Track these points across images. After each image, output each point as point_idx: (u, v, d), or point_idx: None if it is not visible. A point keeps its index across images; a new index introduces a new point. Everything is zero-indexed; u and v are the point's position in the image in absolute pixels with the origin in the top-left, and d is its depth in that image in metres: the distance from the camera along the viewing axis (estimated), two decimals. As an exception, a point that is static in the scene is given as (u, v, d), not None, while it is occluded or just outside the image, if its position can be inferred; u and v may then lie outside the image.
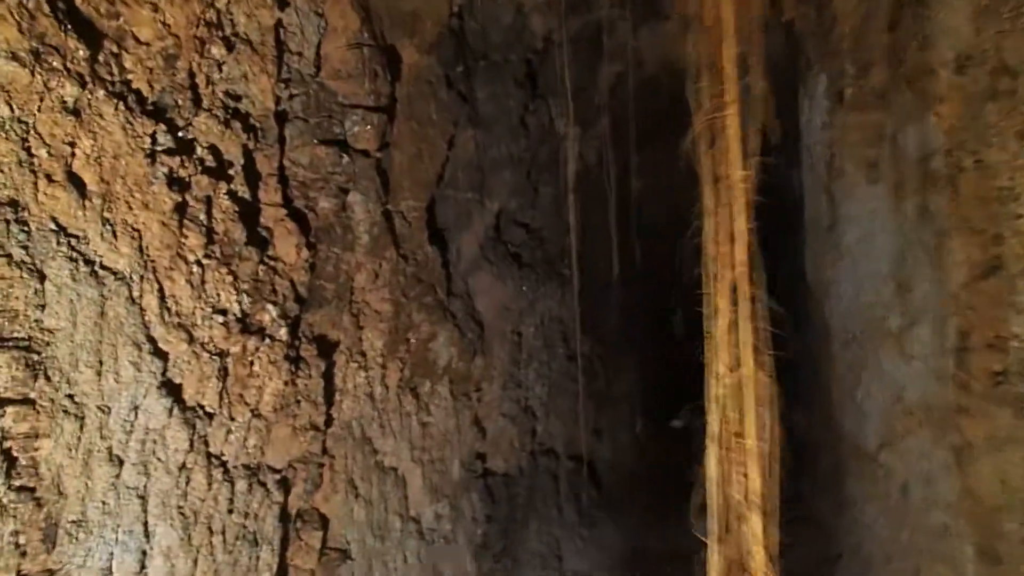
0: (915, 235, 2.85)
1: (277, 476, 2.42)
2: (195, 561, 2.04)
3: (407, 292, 3.27)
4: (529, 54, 4.19)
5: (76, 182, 1.68)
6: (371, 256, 2.97)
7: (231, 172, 2.23)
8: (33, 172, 1.58)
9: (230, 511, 2.20)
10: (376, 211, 2.98)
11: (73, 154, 1.67)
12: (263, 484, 2.34)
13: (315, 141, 2.65)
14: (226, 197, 2.20)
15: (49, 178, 1.61)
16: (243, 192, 2.30)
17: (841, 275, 4.10)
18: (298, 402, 2.51)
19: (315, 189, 2.66)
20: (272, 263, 2.43)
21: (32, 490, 1.57)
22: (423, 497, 3.50)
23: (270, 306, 2.38)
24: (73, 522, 1.66)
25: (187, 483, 2.02)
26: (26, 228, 1.56)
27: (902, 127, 2.83)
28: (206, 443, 2.10)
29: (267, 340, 2.35)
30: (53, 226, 1.62)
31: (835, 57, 3.42)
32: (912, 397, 2.91)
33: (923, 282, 2.80)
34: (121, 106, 1.77)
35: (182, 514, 1.99)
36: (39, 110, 1.58)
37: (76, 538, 1.66)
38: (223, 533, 2.16)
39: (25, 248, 1.55)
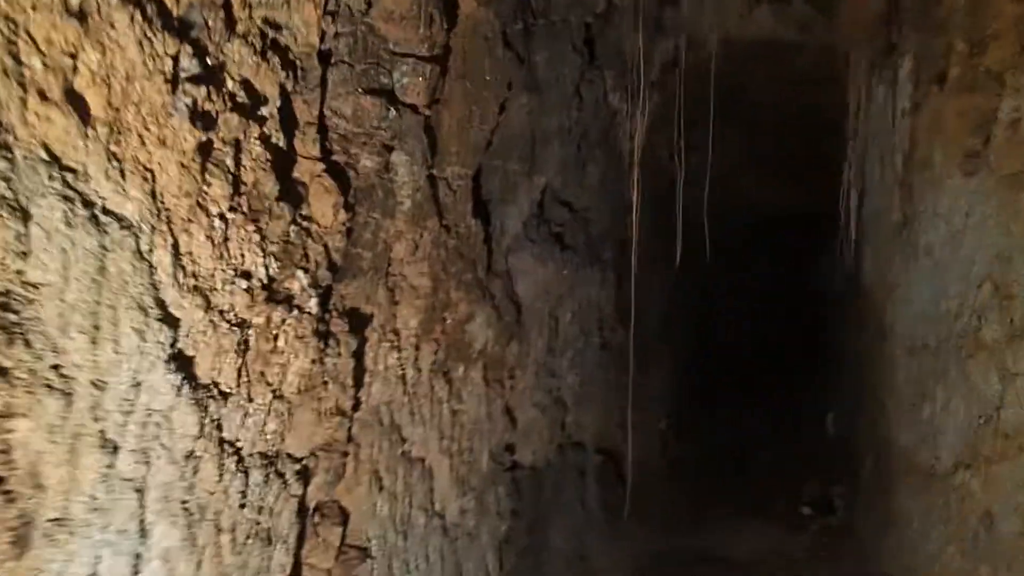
0: (1031, 236, 2.47)
1: (297, 466, 2.10)
2: (199, 564, 1.72)
3: (447, 267, 2.93)
4: (588, 17, 3.81)
5: (77, 104, 1.34)
6: (412, 225, 2.63)
7: (265, 114, 1.89)
8: (22, 85, 1.24)
9: (242, 506, 1.88)
10: (421, 175, 2.63)
11: (75, 68, 1.33)
12: (281, 475, 2.01)
13: (360, 90, 2.30)
14: (258, 142, 1.85)
15: (42, 95, 1.27)
16: (277, 139, 1.95)
17: (914, 277, 3.71)
18: (325, 383, 2.18)
19: (357, 144, 2.32)
20: (305, 224, 2.09)
21: (2, 481, 1.25)
22: (450, 490, 3.18)
23: (300, 273, 2.04)
24: (53, 520, 1.34)
25: (194, 474, 1.69)
26: (8, 155, 1.22)
27: (1029, 112, 2.45)
28: (219, 428, 1.77)
29: (295, 311, 2.02)
30: (44, 155, 1.28)
31: (938, 33, 3.02)
32: (1012, 419, 2.54)
33: (1037, 291, 2.43)
34: (138, 16, 1.43)
35: (186, 510, 1.67)
36: (34, 7, 1.25)
37: (55, 540, 1.34)
38: (233, 531, 1.84)
39: (6, 180, 1.22)
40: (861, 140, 5.06)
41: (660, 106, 5.31)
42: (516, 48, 3.17)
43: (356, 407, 2.40)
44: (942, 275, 3.32)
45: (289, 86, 2.00)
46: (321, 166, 2.15)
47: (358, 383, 2.39)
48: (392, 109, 2.42)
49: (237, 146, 1.78)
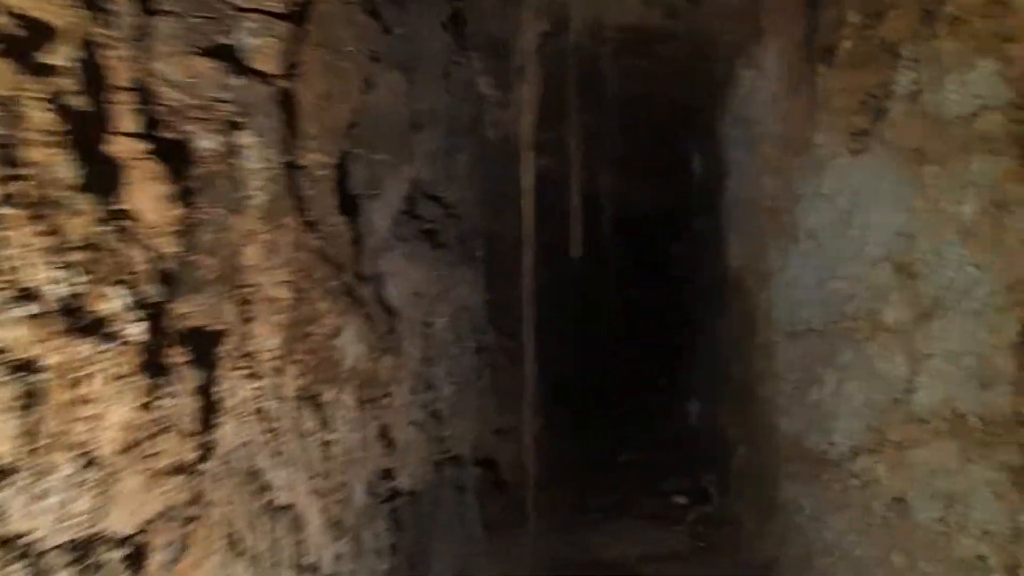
0: (937, 211, 2.35)
1: (124, 549, 1.54)
2: None
3: (311, 273, 2.42)
4: (456, -9, 3.42)
5: None
6: (267, 223, 2.11)
7: (58, 66, 1.34)
8: None
9: (43, 622, 1.32)
10: (277, 162, 2.12)
11: None
12: (99, 567, 1.46)
13: (194, 49, 1.76)
14: (46, 106, 1.30)
15: None
16: (79, 104, 1.40)
17: (795, 261, 3.62)
18: (159, 434, 1.64)
19: (192, 120, 1.78)
20: (121, 222, 1.54)
21: None
22: (323, 537, 2.67)
23: (116, 289, 1.50)
24: None
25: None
26: None
27: (932, 82, 2.32)
28: (-1, 519, 1.21)
29: (110, 342, 1.47)
30: None
31: (828, 7, 2.89)
32: (926, 403, 2.42)
33: (946, 268, 2.31)
34: None
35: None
36: None
37: None
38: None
39: None
40: (723, 129, 5.02)
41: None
42: (382, 17, 2.71)
43: (204, 457, 1.85)
44: (828, 257, 3.22)
45: (95, 31, 1.45)
46: (143, 145, 1.60)
47: (206, 426, 1.85)
48: (237, 77, 1.90)
49: (9, 108, 1.22)
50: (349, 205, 2.77)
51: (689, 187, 6.98)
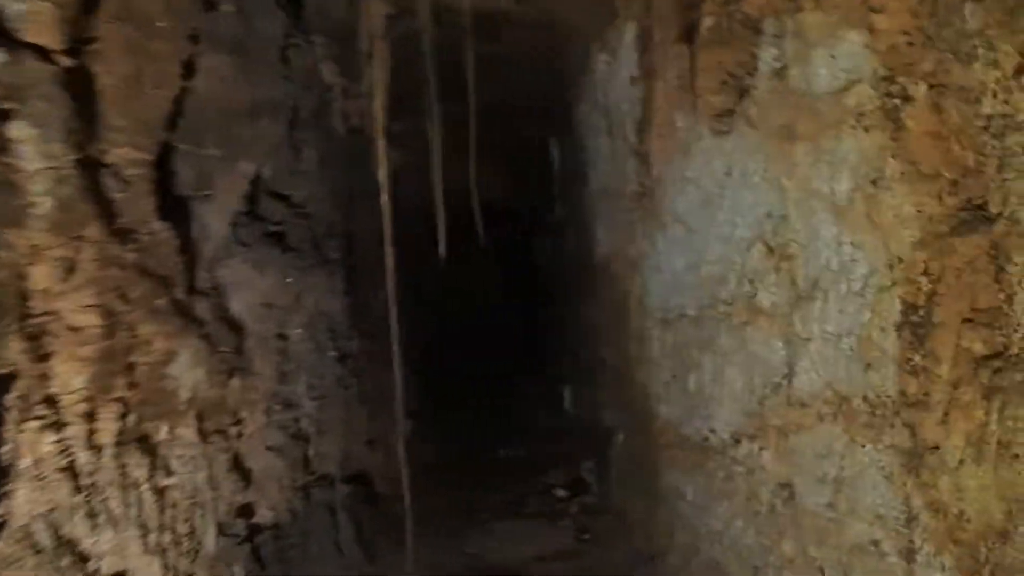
0: (809, 190, 2.29)
1: None
2: None
3: (127, 293, 2.02)
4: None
5: None
6: (59, 235, 1.70)
7: None
8: None
9: None
10: (66, 159, 1.71)
11: None
12: None
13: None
14: None
15: None
16: None
17: (664, 247, 3.54)
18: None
19: (-69, 107, 1.36)
20: None
21: None
22: (168, 598, 2.27)
23: None
24: None
25: None
26: None
27: (798, 57, 2.24)
28: None
29: None
30: None
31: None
32: (807, 387, 2.36)
33: (822, 248, 2.25)
34: None
35: None
36: None
37: None
38: None
39: None
40: (581, 116, 4.92)
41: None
42: (199, -13, 2.32)
43: (-13, 538, 1.45)
44: (698, 241, 3.15)
45: None
46: None
47: (-13, 499, 1.44)
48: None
49: None
50: (175, 208, 2.36)
51: (548, 177, 6.89)
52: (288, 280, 3.39)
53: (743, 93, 2.62)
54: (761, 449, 2.72)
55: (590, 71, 4.46)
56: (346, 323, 4.53)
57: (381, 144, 3.18)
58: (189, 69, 2.33)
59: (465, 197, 8.24)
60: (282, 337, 3.34)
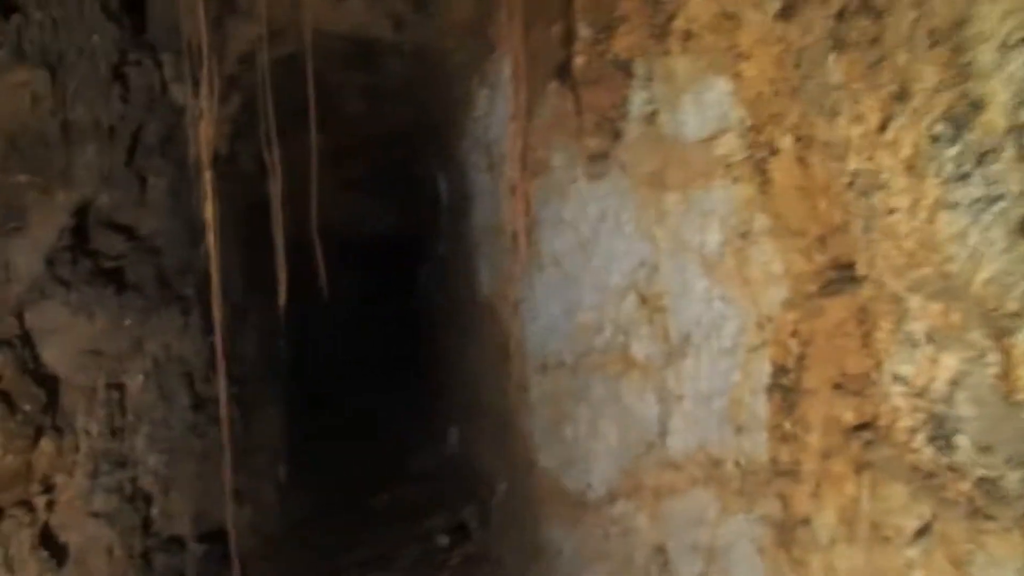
0: (680, 241, 2.17)
1: None
2: None
3: None
4: (127, -27, 2.71)
5: None
6: None
7: None
8: None
9: None
10: None
11: None
12: None
13: None
14: None
15: None
16: None
17: (541, 290, 3.39)
18: None
19: None
20: None
21: None
22: None
23: None
24: None
25: None
26: None
27: (668, 102, 2.13)
28: None
29: None
30: None
31: (556, 20, 2.66)
32: (681, 446, 2.23)
33: (693, 302, 2.13)
34: None
35: None
36: None
37: None
38: None
39: None
40: (464, 151, 4.75)
41: (243, 108, 4.34)
42: (-5, -11, 1.98)
43: None
44: (574, 286, 3.01)
45: None
46: None
47: None
48: None
49: None
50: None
51: (435, 211, 6.69)
52: (126, 323, 3.00)
53: (616, 136, 2.50)
54: (636, 509, 2.57)
55: (471, 106, 4.31)
56: (206, 366, 4.12)
57: (207, 176, 2.86)
58: (-17, 84, 1.98)
59: (349, 228, 7.93)
60: (116, 387, 2.93)
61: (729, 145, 1.89)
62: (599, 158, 2.65)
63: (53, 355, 2.44)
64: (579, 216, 2.88)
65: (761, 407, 1.81)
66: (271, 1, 3.57)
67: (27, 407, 2.28)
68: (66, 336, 2.49)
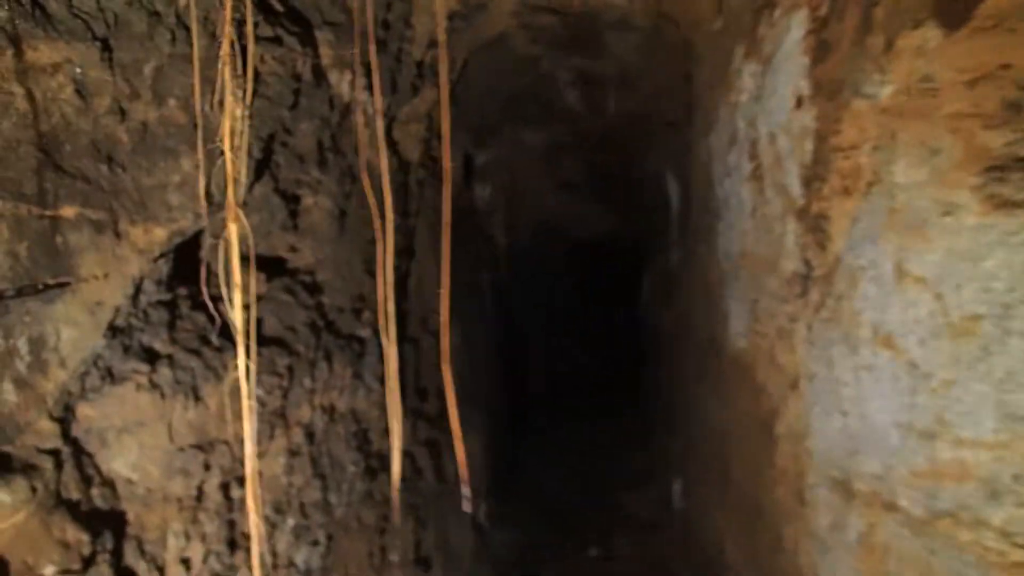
0: None
1: None
2: None
3: None
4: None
5: None
6: None
7: None
8: None
9: None
10: None
11: None
12: None
13: None
14: None
15: None
16: None
17: (851, 374, 2.06)
18: None
19: None
20: None
21: None
22: None
23: None
24: None
25: None
26: None
27: None
28: None
29: None
30: None
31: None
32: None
33: None
34: None
35: None
36: None
37: None
38: None
39: None
40: (708, 150, 3.47)
41: (435, 103, 3.43)
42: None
43: None
44: (928, 391, 1.66)
45: None
46: None
47: None
48: None
49: None
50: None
51: (663, 218, 5.44)
52: (258, 393, 2.17)
53: None
54: None
55: (727, 89, 3.02)
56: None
57: (387, 193, 1.91)
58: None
59: (564, 231, 6.91)
60: (238, 481, 2.12)
61: None
62: (1012, 166, 1.30)
63: (125, 462, 1.62)
64: (958, 273, 1.53)
65: None
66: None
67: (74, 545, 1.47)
68: (147, 432, 1.67)
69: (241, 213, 1.66)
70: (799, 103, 2.31)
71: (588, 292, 8.60)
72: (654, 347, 6.18)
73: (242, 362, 1.68)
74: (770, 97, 2.53)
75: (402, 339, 3.35)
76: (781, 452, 2.64)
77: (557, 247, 7.48)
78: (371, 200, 2.00)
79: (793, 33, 2.33)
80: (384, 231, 1.90)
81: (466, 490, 1.81)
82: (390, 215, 1.90)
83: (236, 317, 1.70)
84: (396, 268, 3.22)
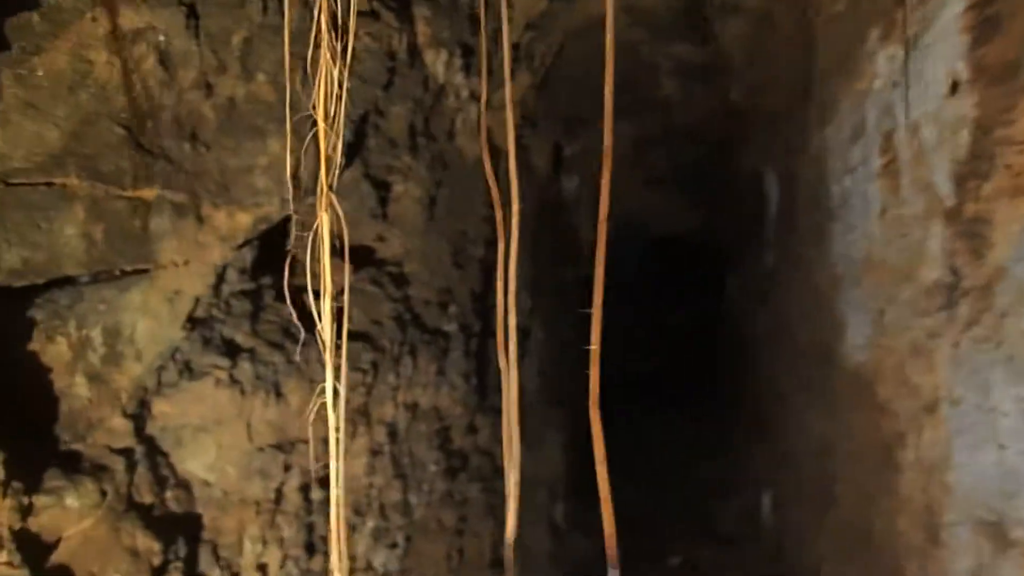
0: None
1: None
2: None
3: None
4: None
5: None
6: None
7: None
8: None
9: None
10: None
11: None
12: None
13: None
14: None
15: None
16: None
17: (1013, 404, 1.73)
18: None
19: None
20: None
21: None
22: None
23: None
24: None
25: None
26: None
27: None
28: None
29: None
30: None
31: None
32: None
33: None
34: None
35: None
36: None
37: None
38: None
39: None
40: (822, 144, 3.12)
41: (533, 88, 3.22)
42: None
43: None
44: None
45: None
46: None
47: None
48: None
49: None
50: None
51: (757, 217, 5.05)
52: (338, 389, 2.02)
53: None
54: None
55: (856, 75, 2.67)
56: (470, 413, 3.12)
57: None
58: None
59: (649, 227, 6.57)
60: (322, 483, 1.98)
61: None
62: None
63: (201, 463, 1.48)
64: None
65: None
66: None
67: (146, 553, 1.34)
68: (225, 431, 1.53)
69: (335, 199, 1.50)
70: (954, 88, 1.96)
71: (666, 290, 8.24)
72: (739, 351, 5.80)
73: (329, 359, 1.51)
74: (914, 83, 2.18)
75: (486, 333, 3.17)
76: (907, 480, 2.31)
77: (637, 243, 7.16)
78: (494, 192, 1.80)
79: (950, 8, 1.99)
80: (508, 225, 1.69)
81: (614, 573, 1.53)
82: (516, 207, 1.69)
83: (325, 311, 1.54)
84: (484, 260, 3.03)
